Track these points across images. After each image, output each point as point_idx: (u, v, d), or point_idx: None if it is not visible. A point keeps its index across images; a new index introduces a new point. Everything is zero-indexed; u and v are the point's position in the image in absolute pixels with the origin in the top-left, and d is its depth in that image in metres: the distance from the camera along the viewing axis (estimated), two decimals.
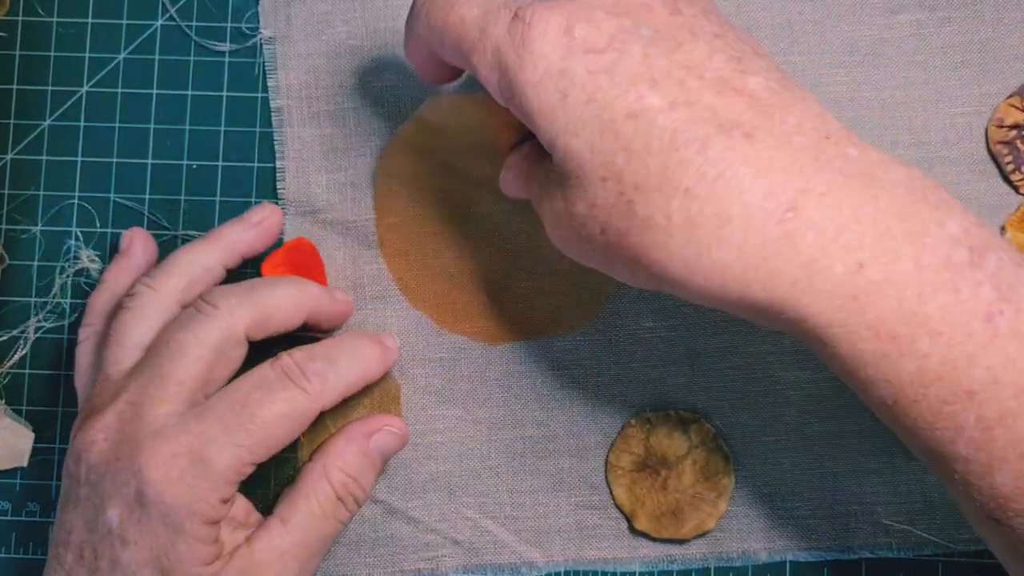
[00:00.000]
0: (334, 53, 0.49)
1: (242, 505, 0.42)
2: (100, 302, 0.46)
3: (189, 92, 0.49)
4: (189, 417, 0.40)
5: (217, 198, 0.49)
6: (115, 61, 0.49)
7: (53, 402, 0.49)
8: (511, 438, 0.48)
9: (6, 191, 0.49)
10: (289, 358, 0.42)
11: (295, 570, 0.42)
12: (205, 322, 0.42)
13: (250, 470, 0.41)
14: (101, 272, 0.48)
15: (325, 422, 0.46)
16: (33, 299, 0.49)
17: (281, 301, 0.43)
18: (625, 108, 0.36)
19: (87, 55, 0.49)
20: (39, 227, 0.49)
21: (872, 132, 0.48)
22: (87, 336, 0.45)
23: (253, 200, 0.49)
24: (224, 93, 0.49)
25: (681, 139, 0.35)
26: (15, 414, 0.48)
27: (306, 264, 0.47)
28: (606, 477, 0.47)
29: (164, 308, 0.43)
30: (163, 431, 0.40)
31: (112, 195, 0.49)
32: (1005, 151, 0.47)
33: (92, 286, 0.48)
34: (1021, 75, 0.48)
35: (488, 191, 0.47)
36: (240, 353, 0.42)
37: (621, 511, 0.47)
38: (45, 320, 0.48)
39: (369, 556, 0.47)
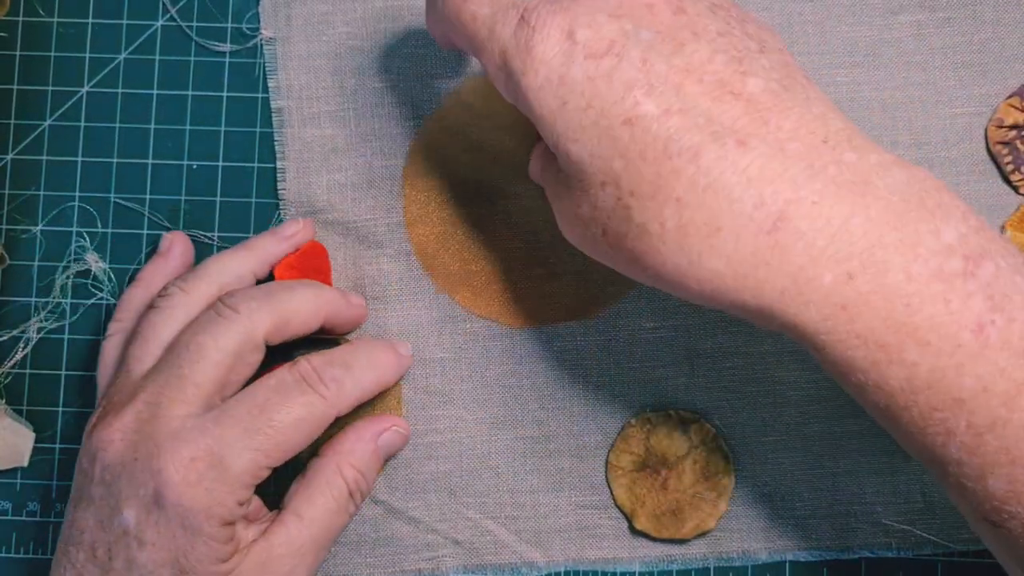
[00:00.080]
0: (334, 53, 0.49)
1: (255, 506, 0.43)
2: (134, 299, 0.46)
3: (189, 92, 0.49)
4: (207, 420, 0.41)
5: (217, 198, 0.49)
6: (115, 61, 0.49)
7: (54, 402, 0.49)
8: (511, 438, 0.48)
9: (7, 191, 0.49)
10: (307, 363, 0.43)
11: (309, 563, 0.42)
12: (225, 326, 0.42)
13: (266, 473, 0.41)
14: (105, 273, 0.48)
15: None
16: (34, 299, 0.49)
17: (300, 306, 0.44)
18: (622, 115, 0.36)
19: (87, 55, 0.49)
20: (39, 227, 0.49)
21: (872, 132, 0.48)
22: (115, 331, 0.46)
23: (253, 200, 0.49)
24: (224, 93, 0.49)
25: (674, 147, 0.35)
26: (16, 414, 0.48)
27: (317, 267, 0.47)
28: (606, 477, 0.47)
29: (193, 311, 0.44)
30: (181, 433, 0.40)
31: (112, 195, 0.49)
32: (1005, 151, 0.47)
33: (95, 287, 0.48)
34: (1021, 75, 0.48)
35: (519, 175, 0.47)
36: (258, 357, 0.43)
37: (621, 511, 0.47)
38: (46, 320, 0.48)
39: (370, 556, 0.47)
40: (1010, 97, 0.48)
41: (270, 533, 0.42)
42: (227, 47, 0.49)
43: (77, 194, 0.49)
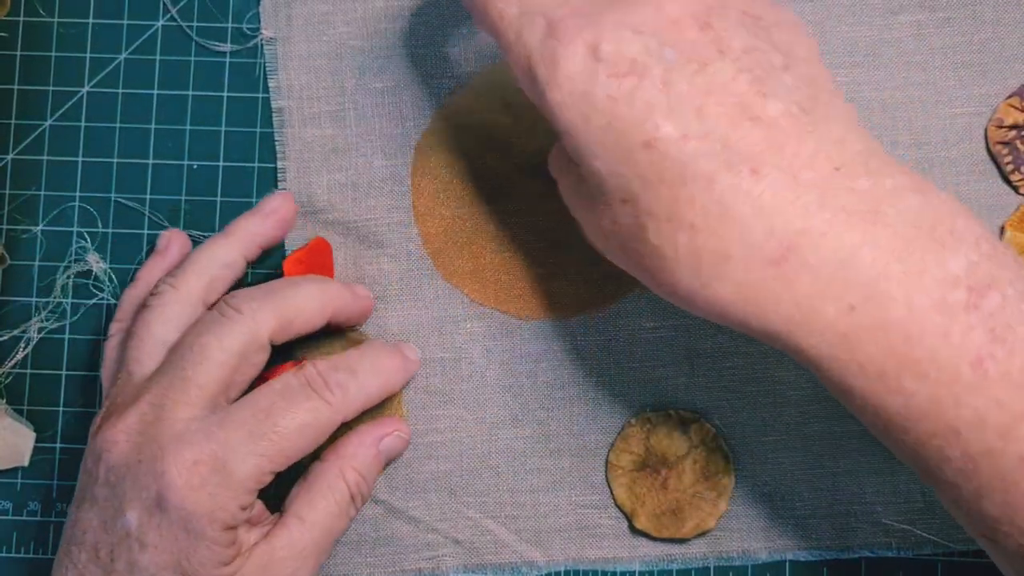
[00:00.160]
0: (335, 53, 0.49)
1: (258, 509, 0.43)
2: (133, 299, 0.46)
3: (190, 92, 0.49)
4: (212, 423, 0.41)
5: (218, 198, 0.49)
6: (116, 61, 0.49)
7: (54, 402, 0.49)
8: (511, 438, 0.48)
9: (7, 191, 0.49)
10: (313, 368, 0.43)
11: (311, 565, 0.42)
12: (228, 326, 0.42)
13: (270, 478, 0.41)
14: (106, 273, 0.48)
15: None
16: (34, 299, 0.49)
17: (305, 304, 0.44)
18: (641, 137, 0.36)
19: (88, 55, 0.49)
20: (40, 227, 0.49)
21: (872, 132, 0.47)
22: (116, 332, 0.46)
23: (254, 200, 0.49)
24: (225, 93, 0.49)
25: (690, 173, 0.36)
26: (16, 414, 0.48)
27: (323, 263, 0.47)
28: (606, 477, 0.47)
29: (186, 307, 0.44)
30: (185, 436, 0.40)
31: (113, 195, 0.49)
32: (1005, 151, 0.47)
33: (96, 287, 0.48)
34: (1021, 75, 0.48)
35: (531, 166, 0.47)
36: (263, 357, 0.43)
37: (621, 511, 0.47)
38: (46, 320, 0.48)
39: (370, 556, 0.47)
40: (1010, 97, 0.48)
41: (272, 536, 0.42)
42: (227, 47, 0.49)
43: (78, 194, 0.49)
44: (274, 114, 0.49)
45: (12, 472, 0.48)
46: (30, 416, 0.49)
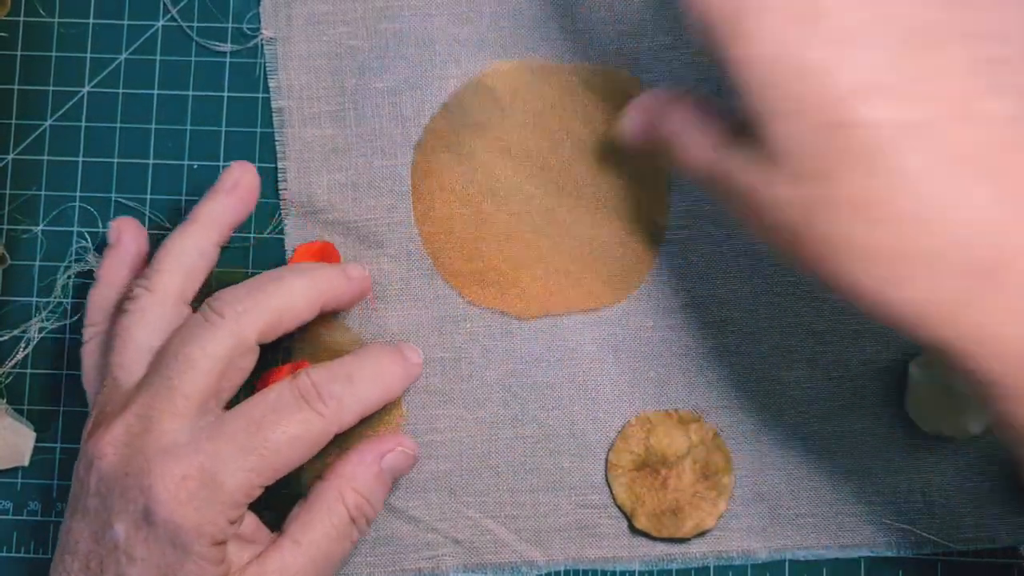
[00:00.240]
0: (335, 54, 0.49)
1: (250, 522, 0.42)
2: (99, 300, 0.45)
3: (190, 92, 0.49)
4: (201, 434, 0.40)
5: None
6: (116, 61, 0.49)
7: (55, 402, 0.49)
8: (511, 438, 0.48)
9: (8, 191, 0.49)
10: (307, 378, 0.42)
11: None
12: (212, 332, 0.41)
13: (260, 492, 0.40)
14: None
15: None
16: (35, 299, 0.49)
17: (292, 300, 0.42)
18: (838, 115, 0.33)
19: (88, 55, 0.49)
20: (40, 227, 0.49)
21: None
22: (91, 336, 0.45)
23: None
24: (225, 93, 0.49)
25: (886, 164, 0.32)
26: (16, 413, 0.48)
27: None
28: (606, 476, 0.47)
29: (165, 308, 0.42)
30: (172, 449, 0.39)
31: (113, 195, 0.49)
32: None
33: None
34: None
35: (533, 165, 0.47)
36: (251, 359, 0.42)
37: (621, 510, 0.47)
38: (47, 320, 0.48)
39: (369, 555, 0.47)
40: None
41: (265, 557, 0.41)
42: (228, 47, 0.49)
43: (78, 194, 0.49)
44: (274, 114, 0.49)
45: (12, 472, 0.48)
46: (30, 416, 0.49)
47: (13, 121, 0.49)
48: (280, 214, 0.49)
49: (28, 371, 0.49)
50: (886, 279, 0.33)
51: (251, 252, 0.49)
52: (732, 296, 0.48)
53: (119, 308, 0.43)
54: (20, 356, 0.48)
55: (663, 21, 0.48)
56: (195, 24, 0.49)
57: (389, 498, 0.47)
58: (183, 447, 0.39)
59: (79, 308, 0.48)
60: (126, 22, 0.49)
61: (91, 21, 0.49)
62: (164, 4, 0.49)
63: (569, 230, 0.48)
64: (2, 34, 0.49)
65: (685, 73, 0.48)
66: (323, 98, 0.49)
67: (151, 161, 0.49)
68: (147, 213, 0.49)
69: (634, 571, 0.47)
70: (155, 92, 0.49)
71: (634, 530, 0.47)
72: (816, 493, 0.47)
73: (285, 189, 0.49)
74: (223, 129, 0.49)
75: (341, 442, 0.43)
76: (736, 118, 0.37)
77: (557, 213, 0.48)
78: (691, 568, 0.47)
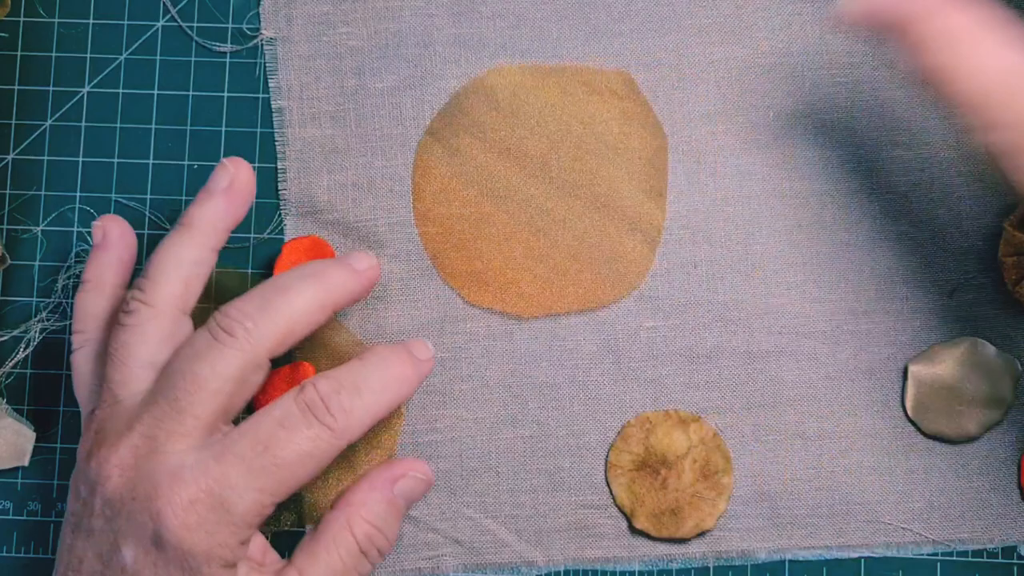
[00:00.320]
0: (335, 54, 0.49)
1: (259, 544, 0.41)
2: (88, 306, 0.44)
3: (190, 93, 0.49)
4: (208, 456, 0.39)
5: None
6: (116, 62, 0.49)
7: (55, 402, 0.49)
8: (511, 438, 0.48)
9: (8, 191, 0.49)
10: (314, 390, 0.40)
11: None
12: (221, 351, 0.40)
13: (271, 510, 0.40)
14: None
15: None
16: (35, 299, 0.49)
17: (303, 310, 0.41)
18: None
19: (88, 56, 0.49)
20: (40, 227, 0.49)
21: (872, 133, 0.48)
22: (81, 344, 0.44)
23: (254, 200, 0.48)
24: (225, 94, 0.49)
25: None
26: (17, 414, 0.48)
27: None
28: (606, 476, 0.47)
29: (165, 321, 0.41)
30: (181, 473, 0.38)
31: (113, 195, 0.49)
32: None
33: None
34: None
35: (536, 173, 0.47)
36: (262, 375, 0.41)
37: (621, 510, 0.47)
38: (47, 320, 0.48)
39: None
40: None
41: None
42: (228, 47, 0.49)
43: (78, 194, 0.49)
44: (274, 114, 0.49)
45: (12, 472, 0.48)
46: (30, 416, 0.49)
47: (13, 121, 0.49)
48: (280, 214, 0.49)
49: (28, 371, 0.49)
50: None
51: (251, 252, 0.49)
52: (732, 296, 0.48)
53: (116, 321, 0.42)
54: (20, 356, 0.48)
55: (663, 21, 0.48)
56: (195, 24, 0.49)
57: None
58: (190, 469, 0.39)
59: None
60: (126, 22, 0.49)
61: (91, 21, 0.49)
62: (164, 4, 0.49)
63: (569, 230, 0.48)
64: (2, 34, 0.49)
65: (685, 73, 0.48)
66: (323, 98, 0.49)
67: (151, 161, 0.49)
68: (147, 213, 0.49)
69: (634, 571, 0.47)
70: (155, 92, 0.49)
71: (634, 530, 0.47)
72: (816, 493, 0.47)
73: (285, 189, 0.49)
74: (223, 129, 0.49)
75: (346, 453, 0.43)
76: None
77: (557, 213, 0.48)
78: (691, 568, 0.47)
